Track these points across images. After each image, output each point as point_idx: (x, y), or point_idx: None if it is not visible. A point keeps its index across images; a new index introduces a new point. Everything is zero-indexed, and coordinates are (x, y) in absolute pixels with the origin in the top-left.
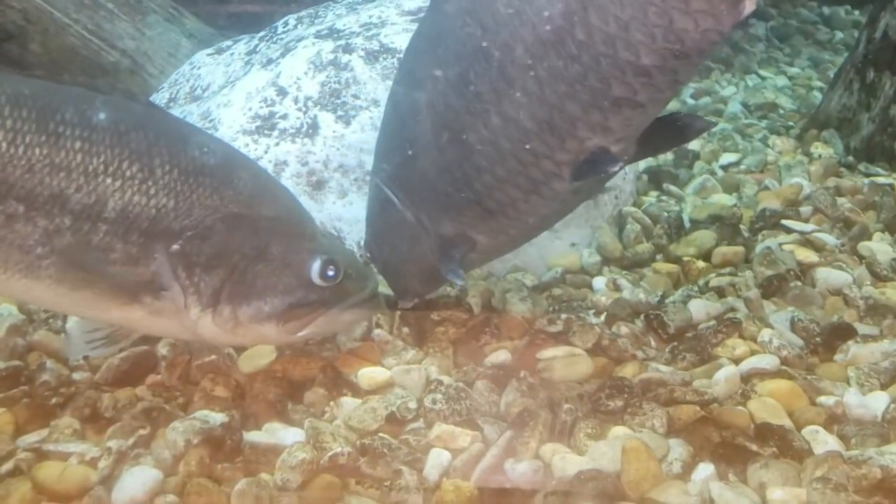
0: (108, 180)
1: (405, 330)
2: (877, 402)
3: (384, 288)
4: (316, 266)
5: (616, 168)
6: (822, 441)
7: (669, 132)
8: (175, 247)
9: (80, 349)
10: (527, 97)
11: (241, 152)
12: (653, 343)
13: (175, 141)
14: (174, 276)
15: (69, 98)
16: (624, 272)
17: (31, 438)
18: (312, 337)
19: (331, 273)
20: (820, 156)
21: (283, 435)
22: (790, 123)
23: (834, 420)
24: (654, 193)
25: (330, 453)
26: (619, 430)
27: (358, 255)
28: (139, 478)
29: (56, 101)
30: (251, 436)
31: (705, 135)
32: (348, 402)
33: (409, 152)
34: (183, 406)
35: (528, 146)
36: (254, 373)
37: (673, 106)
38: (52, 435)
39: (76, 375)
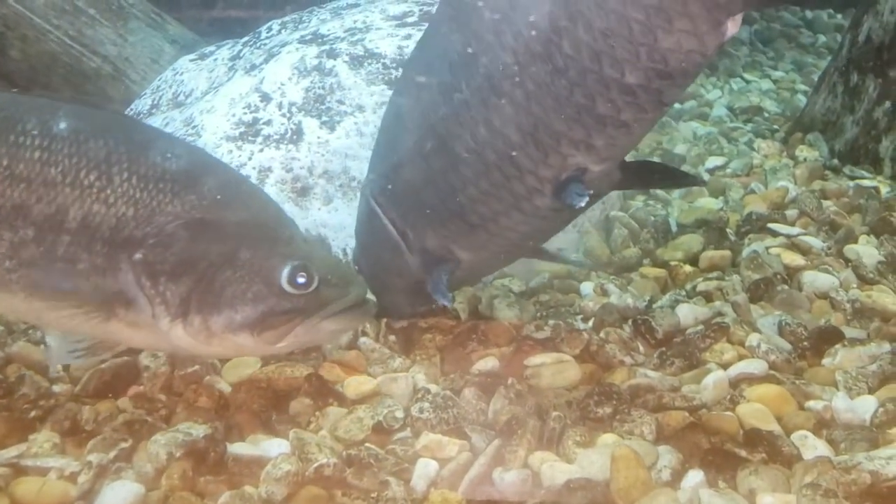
0: (67, 190)
1: (392, 338)
2: (865, 406)
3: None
4: (286, 272)
5: (585, 197)
6: (811, 446)
7: (658, 177)
8: (138, 255)
9: (61, 357)
10: (513, 109)
11: (211, 157)
12: (641, 348)
13: (135, 148)
14: (139, 286)
15: (31, 108)
16: (612, 277)
17: (10, 453)
18: (295, 348)
19: (301, 280)
20: (805, 159)
21: (268, 446)
22: (775, 127)
23: (823, 424)
24: (641, 198)
25: (315, 465)
26: (607, 438)
27: (344, 261)
28: (120, 492)
29: (18, 111)
30: (235, 448)
31: (691, 138)
32: (334, 411)
33: (397, 163)
34: (165, 418)
35: (512, 159)
36: (238, 383)
37: None
38: (30, 449)
39: (56, 388)
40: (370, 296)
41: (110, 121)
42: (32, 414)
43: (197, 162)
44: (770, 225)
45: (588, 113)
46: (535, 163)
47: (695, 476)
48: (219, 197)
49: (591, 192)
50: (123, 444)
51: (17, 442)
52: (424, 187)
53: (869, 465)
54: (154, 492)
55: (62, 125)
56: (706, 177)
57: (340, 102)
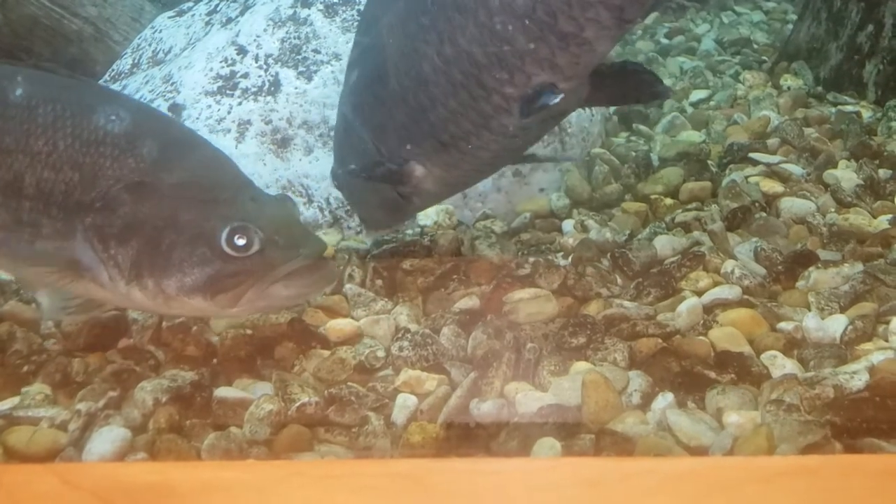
0: (20, 156)
1: (378, 282)
2: (835, 325)
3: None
4: (224, 234)
5: (556, 99)
6: (780, 365)
7: (627, 87)
8: (88, 220)
9: (53, 313)
10: (477, 28)
11: (160, 117)
12: (618, 281)
13: (81, 112)
14: (93, 250)
15: None
16: (592, 213)
17: (3, 406)
18: (253, 312)
19: (240, 242)
20: (789, 87)
21: (253, 389)
22: (764, 58)
23: (793, 345)
24: (624, 134)
25: (297, 403)
26: (580, 366)
27: (302, 221)
28: (108, 437)
29: None
30: (220, 391)
31: (677, 73)
32: (317, 354)
33: (369, 79)
34: (154, 367)
35: (478, 78)
36: (225, 331)
37: (646, 46)
38: (23, 401)
39: (48, 343)
40: (329, 256)
41: (62, 85)
42: (25, 369)
43: (139, 123)
44: (751, 154)
45: (550, 31)
46: (501, 82)
47: (664, 399)
48: (158, 159)
49: (562, 95)
50: (112, 393)
51: (11, 395)
52: (395, 105)
53: (833, 379)
54: (141, 436)
55: (17, 91)
56: (689, 110)
57: (316, 52)
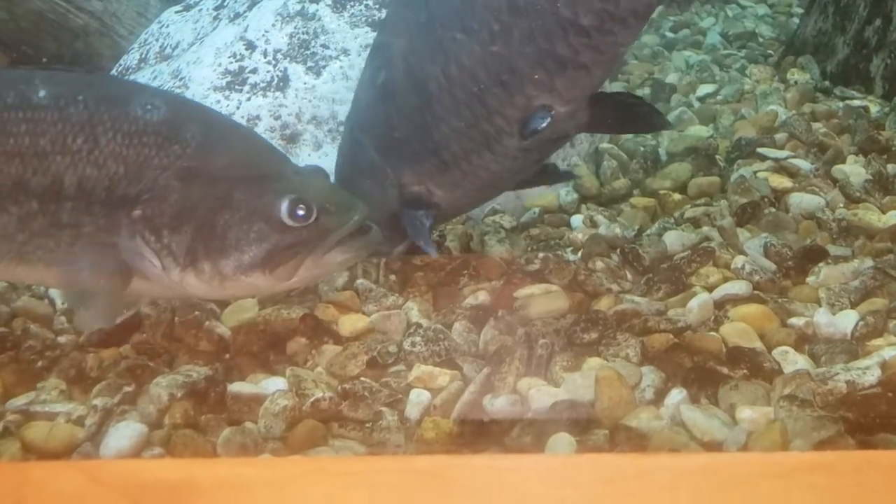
0: (59, 158)
1: (392, 277)
2: (846, 321)
3: None
4: (284, 207)
5: (545, 123)
6: (792, 361)
7: (627, 117)
8: (136, 212)
9: (88, 322)
10: (481, 49)
11: (190, 102)
12: (628, 276)
13: (115, 105)
14: (144, 242)
15: (8, 82)
16: (601, 209)
17: (19, 401)
18: (309, 282)
19: (301, 212)
20: (796, 82)
21: (267, 384)
22: (769, 52)
23: (805, 340)
24: None
25: (312, 399)
26: (593, 362)
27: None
28: (125, 432)
29: None
30: (235, 387)
31: (684, 67)
32: (329, 349)
33: (377, 98)
34: (168, 362)
35: (481, 98)
36: (237, 327)
37: (651, 40)
38: (39, 396)
39: (61, 339)
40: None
41: (84, 82)
42: (39, 364)
43: (175, 110)
44: (759, 149)
45: (548, 55)
46: (502, 103)
47: (678, 394)
48: (201, 142)
49: (552, 116)
50: (127, 389)
51: (26, 391)
52: (401, 124)
53: (846, 375)
54: (157, 431)
55: (41, 93)
56: (697, 105)
57: (325, 47)
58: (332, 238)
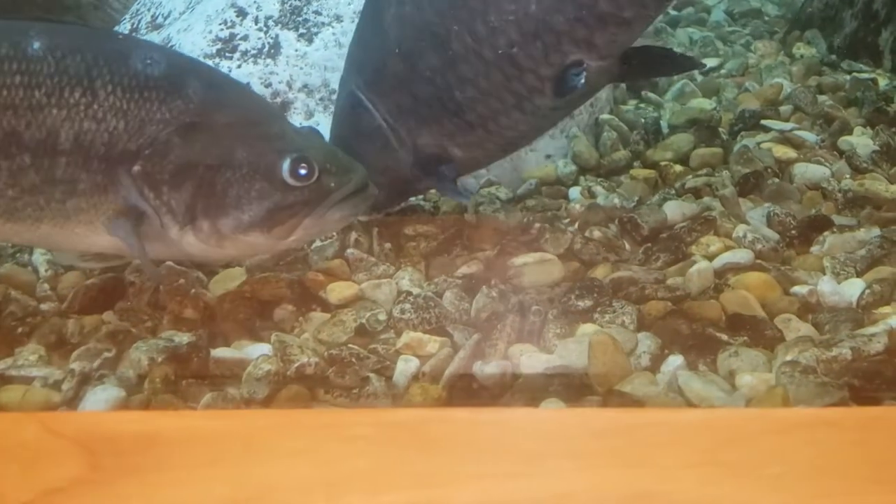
0: (55, 111)
1: (387, 245)
2: (851, 289)
3: None
4: (286, 166)
5: (581, 79)
6: (795, 329)
7: (657, 62)
8: (136, 168)
9: (68, 258)
10: (514, 6)
11: (190, 58)
12: (627, 246)
13: (114, 59)
14: (143, 198)
15: (3, 32)
16: (600, 180)
17: None
18: (306, 240)
19: (303, 171)
20: (802, 56)
21: (251, 350)
22: (775, 29)
23: (808, 309)
24: (633, 102)
25: (297, 364)
26: (587, 328)
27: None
28: (102, 396)
29: None
30: (218, 352)
31: (686, 43)
32: (317, 316)
33: (387, 57)
34: (151, 329)
35: (512, 58)
36: (223, 294)
37: None
38: (16, 361)
39: (44, 306)
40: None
41: (81, 35)
42: (20, 330)
43: (177, 66)
44: (763, 121)
45: (590, 11)
46: (536, 62)
47: (675, 361)
48: (204, 99)
49: (584, 73)
50: (107, 354)
51: (5, 357)
52: (419, 84)
53: (850, 342)
54: (136, 395)
55: (36, 45)
56: (700, 78)
57: (317, 13)
58: (333, 198)
